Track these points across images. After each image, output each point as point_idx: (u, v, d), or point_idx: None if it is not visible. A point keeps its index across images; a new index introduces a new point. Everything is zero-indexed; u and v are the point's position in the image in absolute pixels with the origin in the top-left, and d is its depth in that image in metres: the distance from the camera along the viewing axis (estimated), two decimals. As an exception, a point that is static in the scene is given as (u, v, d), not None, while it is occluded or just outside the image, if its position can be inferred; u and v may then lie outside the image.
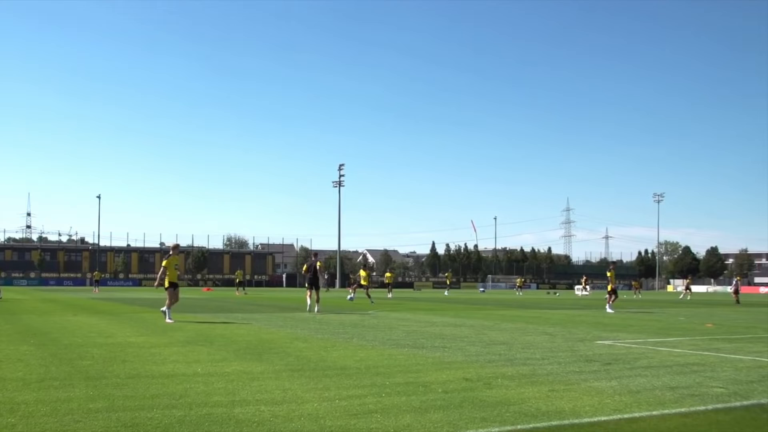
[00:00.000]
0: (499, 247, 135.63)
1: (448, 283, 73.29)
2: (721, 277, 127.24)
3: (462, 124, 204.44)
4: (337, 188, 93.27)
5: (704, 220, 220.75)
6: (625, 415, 5.96)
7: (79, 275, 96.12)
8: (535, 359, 9.95)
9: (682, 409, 6.30)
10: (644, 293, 73.53)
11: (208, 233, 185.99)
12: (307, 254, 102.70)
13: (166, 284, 17.15)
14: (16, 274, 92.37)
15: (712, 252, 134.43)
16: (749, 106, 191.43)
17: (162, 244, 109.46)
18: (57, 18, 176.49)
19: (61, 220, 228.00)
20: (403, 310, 25.27)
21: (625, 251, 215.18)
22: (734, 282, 41.23)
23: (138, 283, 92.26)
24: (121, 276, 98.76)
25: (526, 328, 16.63)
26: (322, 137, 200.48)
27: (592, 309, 28.53)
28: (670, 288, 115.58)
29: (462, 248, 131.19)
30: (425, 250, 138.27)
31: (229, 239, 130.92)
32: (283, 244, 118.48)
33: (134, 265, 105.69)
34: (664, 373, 8.60)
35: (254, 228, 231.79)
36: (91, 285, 69.75)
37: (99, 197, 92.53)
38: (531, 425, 5.52)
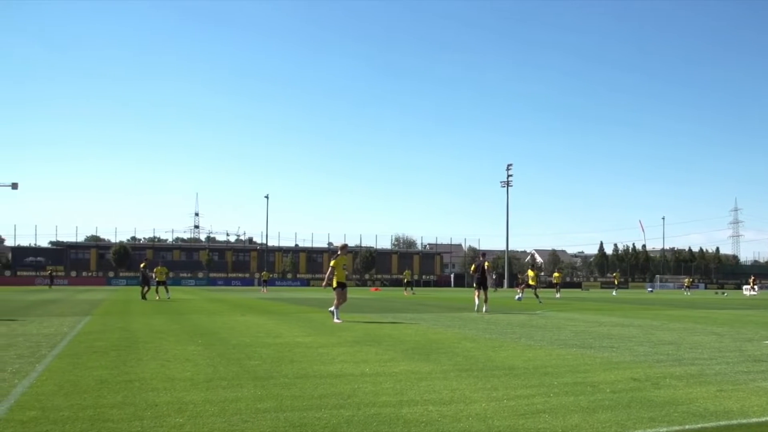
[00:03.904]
0: (667, 247, 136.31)
1: (616, 283, 73.78)
2: None
3: (629, 124, 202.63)
4: (505, 188, 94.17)
5: None
6: (792, 415, 6.07)
7: (247, 275, 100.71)
8: (703, 359, 10.12)
9: None
10: (812, 293, 70.40)
11: (376, 233, 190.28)
12: (475, 254, 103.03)
13: (335, 284, 17.60)
14: (185, 274, 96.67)
15: None
16: None
17: (330, 244, 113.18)
18: (225, 19, 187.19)
19: (228, 220, 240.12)
20: (571, 310, 25.25)
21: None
22: None
23: (306, 283, 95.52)
24: (289, 276, 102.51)
25: (694, 328, 16.72)
26: (489, 137, 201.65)
27: (760, 309, 29.04)
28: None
29: (630, 248, 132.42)
30: (593, 250, 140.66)
31: (397, 239, 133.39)
32: (451, 244, 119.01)
33: (302, 265, 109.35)
34: (831, 374, 8.71)
35: (422, 228, 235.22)
36: (259, 285, 73.13)
37: (267, 197, 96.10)
38: (699, 425, 5.61)
